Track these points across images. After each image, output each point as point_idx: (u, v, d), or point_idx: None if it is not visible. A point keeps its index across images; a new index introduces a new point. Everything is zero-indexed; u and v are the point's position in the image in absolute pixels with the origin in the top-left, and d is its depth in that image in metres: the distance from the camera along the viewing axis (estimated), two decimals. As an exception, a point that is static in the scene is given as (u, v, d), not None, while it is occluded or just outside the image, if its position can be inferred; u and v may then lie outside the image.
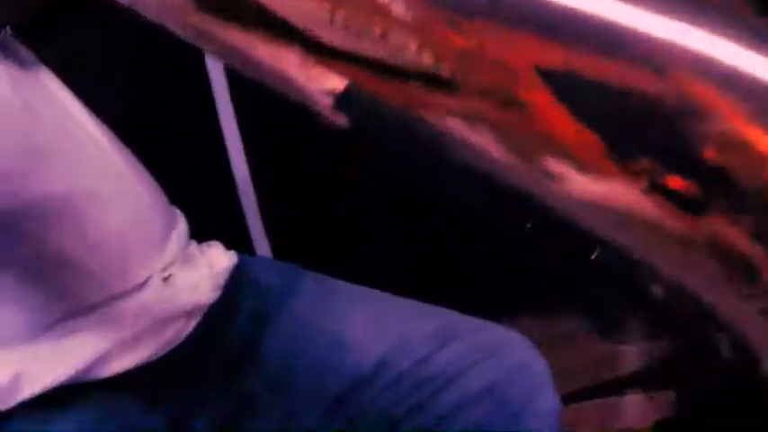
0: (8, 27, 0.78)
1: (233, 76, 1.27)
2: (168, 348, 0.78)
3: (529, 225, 0.32)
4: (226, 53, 0.34)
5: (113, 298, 0.75)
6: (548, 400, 0.86)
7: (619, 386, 1.68)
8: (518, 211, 0.32)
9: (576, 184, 0.27)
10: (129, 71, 0.87)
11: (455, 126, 0.29)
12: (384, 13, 0.29)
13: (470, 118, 0.29)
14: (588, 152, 0.26)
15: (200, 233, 0.89)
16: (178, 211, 0.87)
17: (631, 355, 1.75)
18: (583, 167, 0.27)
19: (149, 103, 0.89)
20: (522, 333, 0.90)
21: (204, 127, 1.24)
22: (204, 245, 0.88)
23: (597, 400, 1.66)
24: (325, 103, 0.32)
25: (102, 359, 0.73)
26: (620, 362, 1.74)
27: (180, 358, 0.79)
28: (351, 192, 1.41)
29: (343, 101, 0.32)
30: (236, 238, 0.92)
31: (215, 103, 1.19)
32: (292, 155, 1.33)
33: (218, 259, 0.86)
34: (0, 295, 0.71)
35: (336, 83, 0.31)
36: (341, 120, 0.33)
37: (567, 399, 0.96)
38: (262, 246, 1.31)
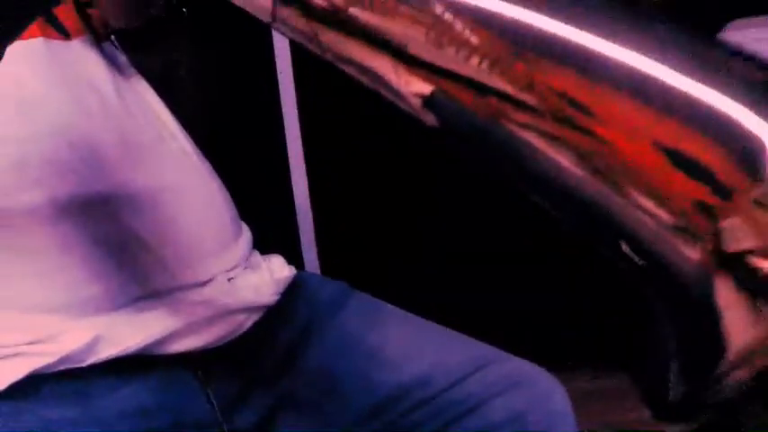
0: (113, 37, 0.91)
1: (303, 101, 1.40)
2: (228, 339, 0.87)
3: (624, 246, 0.37)
4: (324, 50, 0.42)
5: (182, 288, 0.85)
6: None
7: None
8: (602, 228, 0.37)
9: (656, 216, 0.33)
10: (207, 86, 0.98)
11: (535, 140, 0.37)
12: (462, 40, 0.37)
13: (550, 137, 0.36)
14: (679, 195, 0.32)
15: (256, 247, 0.98)
16: (244, 224, 0.98)
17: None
18: (662, 204, 0.33)
19: (221, 118, 1.00)
20: (573, 384, 0.96)
21: (270, 148, 1.35)
22: (266, 256, 0.98)
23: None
24: (415, 104, 0.41)
25: (169, 337, 0.82)
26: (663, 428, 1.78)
27: (236, 350, 0.88)
28: (407, 220, 1.51)
29: (430, 103, 0.40)
30: (288, 256, 1.01)
31: (283, 125, 1.31)
32: (352, 179, 1.44)
33: (279, 269, 0.96)
34: (88, 268, 0.81)
35: (424, 87, 0.40)
36: (430, 119, 0.41)
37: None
38: (312, 264, 1.42)
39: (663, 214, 0.30)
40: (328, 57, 0.42)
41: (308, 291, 0.98)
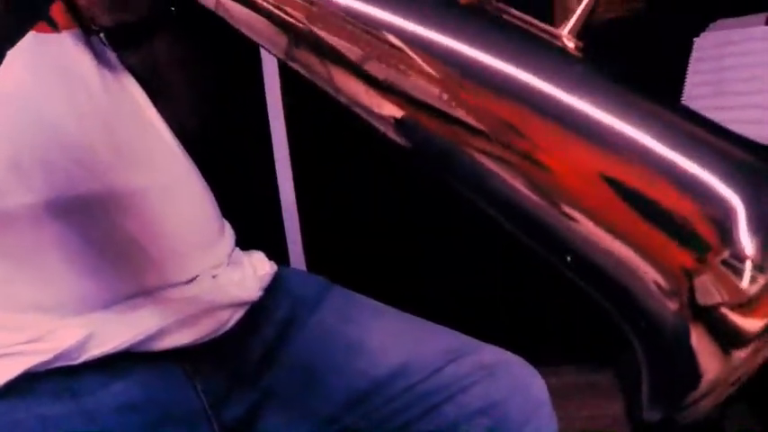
0: (102, 34, 0.95)
1: (288, 103, 1.44)
2: (214, 335, 0.92)
3: (569, 258, 0.41)
4: (307, 69, 0.48)
5: (169, 286, 0.89)
6: (545, 420, 0.97)
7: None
8: (550, 242, 0.43)
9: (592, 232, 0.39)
10: (192, 84, 1.02)
11: (489, 164, 0.43)
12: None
13: (500, 160, 0.42)
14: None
15: (242, 243, 1.04)
16: (226, 221, 1.03)
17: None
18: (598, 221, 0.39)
19: (207, 118, 1.05)
20: (559, 380, 1.01)
21: (256, 146, 1.39)
22: (248, 252, 1.03)
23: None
24: (388, 127, 0.44)
25: (158, 333, 0.87)
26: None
27: (222, 345, 0.93)
28: (390, 218, 1.55)
29: (401, 127, 0.44)
30: (275, 251, 1.06)
31: (269, 122, 1.34)
32: (337, 173, 1.48)
33: (261, 265, 1.02)
34: (80, 267, 0.84)
35: (395, 111, 0.44)
36: (402, 141, 0.44)
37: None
38: (297, 260, 1.47)
39: (655, 275, 0.37)
40: (342, 99, 0.48)
41: (289, 286, 1.03)
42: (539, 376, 0.99)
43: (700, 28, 1.46)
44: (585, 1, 0.42)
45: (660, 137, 0.38)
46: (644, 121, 0.39)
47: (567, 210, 0.39)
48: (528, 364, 1.00)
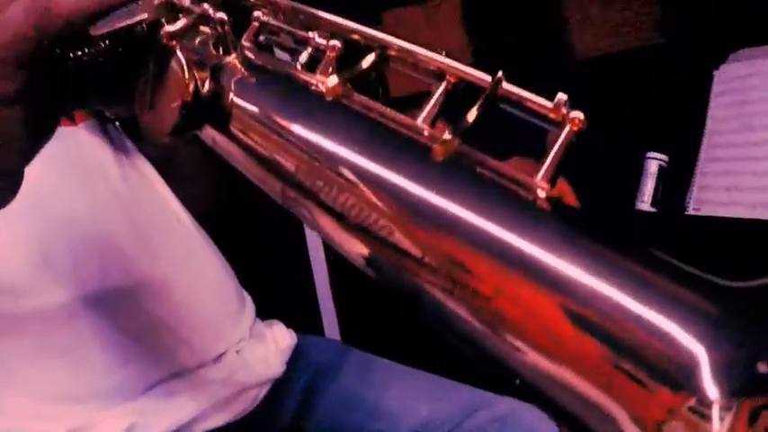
0: (117, 122, 0.99)
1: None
2: (244, 413, 0.96)
3: (518, 381, 0.44)
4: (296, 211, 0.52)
5: (199, 366, 0.93)
6: None
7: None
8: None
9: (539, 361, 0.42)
10: (207, 163, 1.05)
11: (440, 296, 0.46)
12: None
13: (447, 291, 0.45)
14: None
15: (271, 310, 1.08)
16: (245, 292, 1.07)
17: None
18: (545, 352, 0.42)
19: (228, 198, 1.08)
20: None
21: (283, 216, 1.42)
22: (267, 323, 1.07)
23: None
24: (359, 263, 0.48)
25: (197, 419, 0.91)
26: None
27: (251, 422, 0.97)
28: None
29: (369, 264, 0.48)
30: (306, 315, 1.10)
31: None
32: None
33: (282, 337, 1.06)
34: (116, 356, 0.88)
35: (362, 249, 0.47)
36: (371, 275, 0.48)
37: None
38: (331, 326, 1.49)
39: (625, 424, 0.39)
40: (324, 237, 0.51)
41: (308, 355, 1.08)
42: (547, 419, 1.02)
43: (719, 59, 1.47)
44: (555, 149, 0.44)
45: (625, 289, 0.41)
46: (609, 273, 0.42)
47: (527, 349, 0.42)
48: (538, 410, 1.02)
